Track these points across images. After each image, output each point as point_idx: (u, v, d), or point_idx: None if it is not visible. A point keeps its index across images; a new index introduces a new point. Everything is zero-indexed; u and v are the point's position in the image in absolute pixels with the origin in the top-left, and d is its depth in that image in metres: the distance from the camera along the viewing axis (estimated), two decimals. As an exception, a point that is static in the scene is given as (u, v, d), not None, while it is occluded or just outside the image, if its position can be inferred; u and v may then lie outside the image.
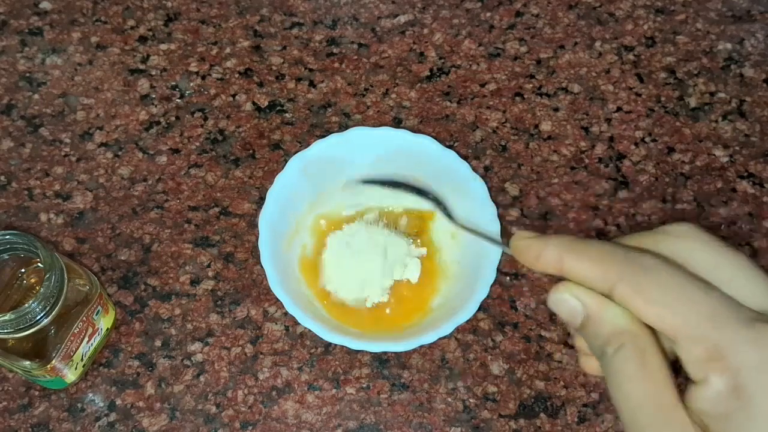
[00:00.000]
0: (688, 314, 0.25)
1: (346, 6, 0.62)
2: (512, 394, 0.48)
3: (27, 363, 0.42)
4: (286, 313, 0.49)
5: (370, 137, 0.50)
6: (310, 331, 0.45)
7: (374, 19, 0.62)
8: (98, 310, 0.45)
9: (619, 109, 0.58)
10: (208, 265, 0.51)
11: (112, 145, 0.55)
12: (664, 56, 0.60)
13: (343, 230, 0.51)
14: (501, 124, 0.57)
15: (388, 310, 0.49)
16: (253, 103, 0.58)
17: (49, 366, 0.43)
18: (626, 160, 0.56)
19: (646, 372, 0.26)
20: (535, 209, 0.54)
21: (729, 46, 0.61)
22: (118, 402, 0.47)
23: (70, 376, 0.46)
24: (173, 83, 0.58)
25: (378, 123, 0.56)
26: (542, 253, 0.29)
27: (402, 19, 0.62)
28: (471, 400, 0.48)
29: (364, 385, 0.48)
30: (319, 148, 0.50)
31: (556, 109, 0.58)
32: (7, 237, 0.41)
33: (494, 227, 0.47)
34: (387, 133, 0.51)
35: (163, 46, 0.60)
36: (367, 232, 0.50)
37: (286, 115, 0.57)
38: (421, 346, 0.48)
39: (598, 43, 0.61)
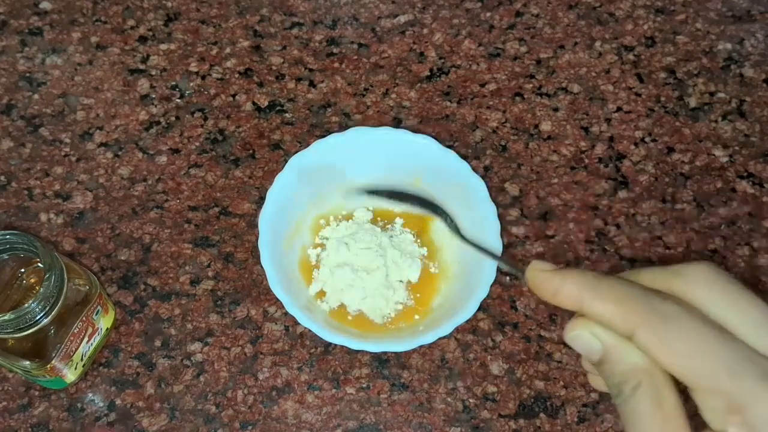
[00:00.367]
0: (707, 366, 0.25)
1: (346, 6, 0.62)
2: (512, 394, 0.48)
3: (27, 363, 0.42)
4: (286, 313, 0.49)
5: (370, 137, 0.50)
6: (310, 331, 0.45)
7: (374, 19, 0.62)
8: (98, 310, 0.45)
9: (619, 109, 0.58)
10: (208, 265, 0.51)
11: (112, 145, 0.55)
12: (664, 56, 0.60)
13: (343, 230, 0.51)
14: (501, 124, 0.57)
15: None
16: (253, 103, 0.58)
17: (48, 366, 0.43)
18: (626, 160, 0.56)
19: (663, 413, 0.26)
20: (534, 209, 0.54)
21: (729, 46, 0.61)
22: (118, 402, 0.47)
23: (70, 376, 0.46)
24: (173, 83, 0.58)
25: (378, 123, 0.56)
26: (560, 290, 0.29)
27: (402, 19, 0.62)
28: (471, 400, 0.48)
29: (364, 385, 0.48)
30: (318, 148, 0.50)
31: (556, 109, 0.58)
32: (7, 237, 0.41)
33: (494, 227, 0.47)
34: (387, 133, 0.51)
35: (163, 46, 0.60)
36: (367, 232, 0.50)
37: (286, 115, 0.57)
38: (421, 346, 0.48)
39: (598, 43, 0.61)
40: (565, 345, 0.49)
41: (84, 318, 0.44)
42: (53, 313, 0.40)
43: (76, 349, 0.44)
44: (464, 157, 0.50)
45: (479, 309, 0.45)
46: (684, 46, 0.61)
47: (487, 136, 0.57)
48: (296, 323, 0.47)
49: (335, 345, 0.48)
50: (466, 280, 0.48)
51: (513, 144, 0.56)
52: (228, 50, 0.60)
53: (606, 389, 0.31)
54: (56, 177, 0.54)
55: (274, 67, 0.59)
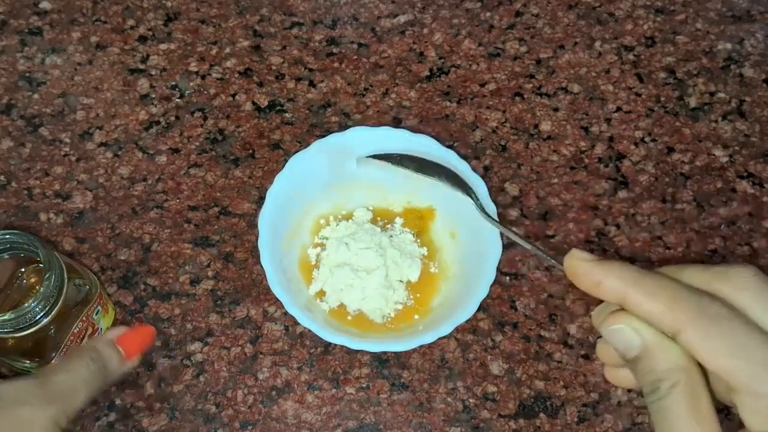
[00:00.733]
0: (755, 369, 0.26)
1: (346, 6, 0.62)
2: (512, 394, 0.48)
3: (27, 362, 0.42)
4: (285, 313, 0.49)
5: (370, 137, 0.50)
6: (309, 331, 0.45)
7: (374, 19, 0.62)
8: (98, 310, 0.45)
9: (618, 109, 0.58)
10: (208, 265, 0.51)
11: (112, 144, 0.55)
12: (664, 56, 0.60)
13: (342, 230, 0.51)
14: (501, 124, 0.57)
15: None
16: (253, 103, 0.58)
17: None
18: (626, 160, 0.56)
19: (699, 414, 0.27)
20: (534, 209, 0.54)
21: (729, 46, 0.61)
22: (118, 402, 0.47)
23: None
24: (173, 83, 0.58)
25: (378, 123, 0.56)
26: (604, 283, 0.29)
27: (402, 18, 0.62)
28: (471, 400, 0.48)
29: (364, 385, 0.48)
30: (318, 148, 0.50)
31: (556, 109, 0.58)
32: (8, 237, 0.41)
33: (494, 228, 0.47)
34: (387, 132, 0.51)
35: (163, 46, 0.60)
36: (367, 232, 0.50)
37: (286, 114, 0.57)
38: (421, 346, 0.48)
39: (597, 43, 0.61)
40: (565, 345, 0.49)
41: (84, 318, 0.44)
42: (53, 312, 0.40)
43: (76, 349, 0.44)
44: (464, 157, 0.50)
45: (479, 309, 0.45)
46: (684, 46, 0.61)
47: (487, 136, 0.57)
48: (296, 323, 0.47)
49: (335, 345, 0.49)
50: (466, 280, 0.48)
51: (513, 144, 0.56)
52: (228, 50, 0.60)
53: (629, 385, 0.32)
54: (56, 177, 0.54)
55: (274, 67, 0.59)
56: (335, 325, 0.47)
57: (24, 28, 0.60)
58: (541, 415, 0.47)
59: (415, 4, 0.62)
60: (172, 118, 0.57)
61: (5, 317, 0.39)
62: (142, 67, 0.59)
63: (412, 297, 0.49)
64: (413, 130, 0.51)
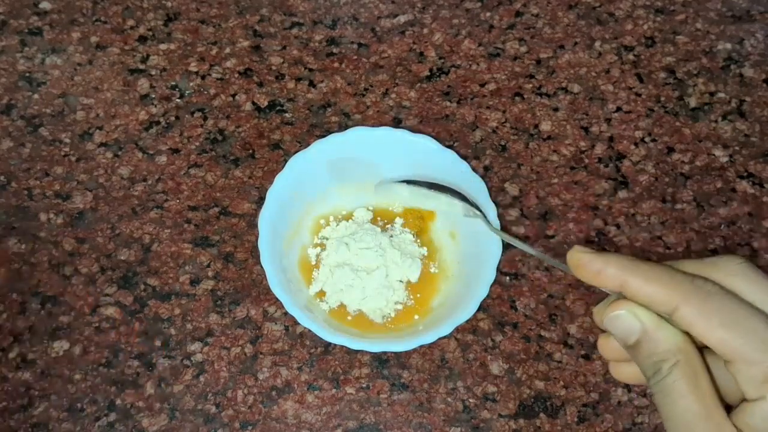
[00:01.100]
0: (748, 338, 0.28)
1: (345, 6, 0.62)
2: (512, 394, 0.48)
3: None
4: (285, 313, 0.49)
5: (370, 137, 0.50)
6: (309, 331, 0.45)
7: (374, 19, 0.62)
8: None
9: (618, 109, 0.58)
10: (208, 265, 0.51)
11: (112, 145, 0.55)
12: (663, 56, 0.60)
13: (342, 230, 0.51)
14: (501, 124, 0.57)
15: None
16: (253, 103, 0.58)
17: None
18: (626, 160, 0.56)
19: (700, 391, 0.29)
20: (534, 209, 0.54)
21: (729, 46, 0.61)
22: (118, 402, 0.47)
23: None
24: (173, 83, 0.58)
25: (378, 123, 0.56)
26: (604, 271, 0.31)
27: (402, 19, 0.62)
28: (471, 400, 0.48)
29: (364, 385, 0.48)
30: (318, 148, 0.50)
31: (556, 109, 0.58)
32: None
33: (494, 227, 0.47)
34: (387, 133, 0.51)
35: (163, 46, 0.60)
36: (367, 232, 0.50)
37: (286, 115, 0.57)
38: (421, 346, 0.48)
39: (597, 43, 0.61)
40: (565, 345, 0.49)
41: None
42: None
43: None
44: (464, 157, 0.50)
45: (479, 309, 0.45)
46: (684, 46, 0.61)
47: (487, 136, 0.57)
48: (296, 323, 0.47)
49: (335, 345, 0.49)
50: (466, 280, 0.48)
51: (513, 144, 0.56)
52: (228, 50, 0.60)
53: (634, 380, 0.33)
54: (56, 177, 0.54)
55: (273, 67, 0.59)
56: (335, 325, 0.47)
57: (24, 28, 0.60)
58: (541, 415, 0.47)
59: (415, 4, 0.62)
60: (172, 118, 0.57)
61: None
62: (142, 67, 0.59)
63: (412, 297, 0.49)
64: (413, 130, 0.51)
